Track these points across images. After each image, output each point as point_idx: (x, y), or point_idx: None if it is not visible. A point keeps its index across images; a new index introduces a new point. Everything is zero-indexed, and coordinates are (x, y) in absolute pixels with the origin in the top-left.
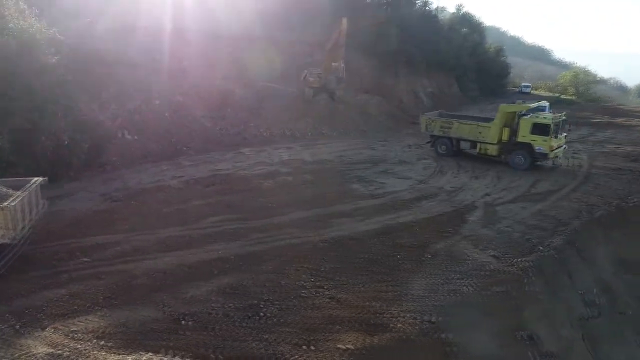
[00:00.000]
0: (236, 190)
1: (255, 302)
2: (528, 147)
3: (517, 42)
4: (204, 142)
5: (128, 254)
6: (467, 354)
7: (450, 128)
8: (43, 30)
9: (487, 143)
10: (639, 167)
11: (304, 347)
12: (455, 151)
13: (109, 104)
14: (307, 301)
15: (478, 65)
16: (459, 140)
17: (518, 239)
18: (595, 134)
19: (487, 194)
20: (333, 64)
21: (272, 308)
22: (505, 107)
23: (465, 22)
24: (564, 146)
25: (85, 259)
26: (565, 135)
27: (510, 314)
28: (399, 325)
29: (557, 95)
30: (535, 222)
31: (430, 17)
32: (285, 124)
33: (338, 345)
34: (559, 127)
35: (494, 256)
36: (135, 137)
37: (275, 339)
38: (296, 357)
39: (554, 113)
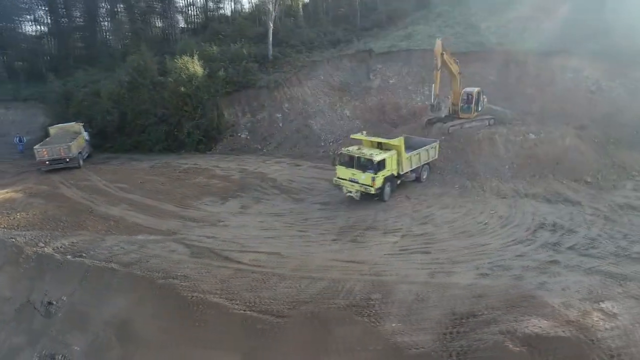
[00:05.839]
0: (180, 178)
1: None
2: None
3: None
4: (289, 148)
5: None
6: None
7: None
8: (195, 72)
9: None
10: None
11: None
12: None
13: (245, 113)
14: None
15: None
16: None
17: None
18: None
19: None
20: (462, 90)
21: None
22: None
23: None
24: (367, 187)
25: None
26: (373, 178)
27: None
28: None
29: None
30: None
31: None
32: None
33: None
34: (350, 162)
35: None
36: (248, 137)
37: None
38: None
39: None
